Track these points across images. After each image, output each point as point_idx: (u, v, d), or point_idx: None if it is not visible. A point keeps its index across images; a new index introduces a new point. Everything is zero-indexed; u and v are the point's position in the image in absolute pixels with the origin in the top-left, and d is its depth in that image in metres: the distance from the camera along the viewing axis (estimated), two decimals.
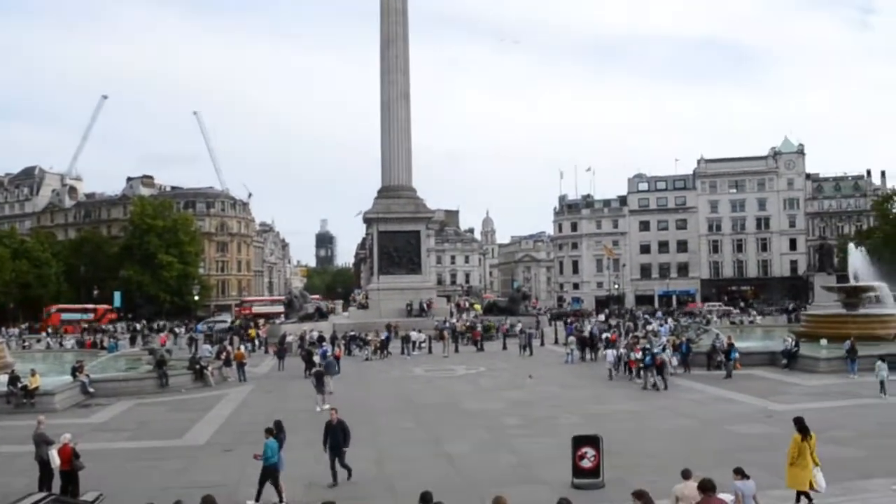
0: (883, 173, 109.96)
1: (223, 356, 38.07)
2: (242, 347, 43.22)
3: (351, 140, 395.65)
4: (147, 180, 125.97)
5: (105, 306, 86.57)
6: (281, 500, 14.57)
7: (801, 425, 12.81)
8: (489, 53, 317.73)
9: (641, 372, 30.53)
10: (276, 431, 15.62)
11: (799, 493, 12.56)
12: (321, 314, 63.17)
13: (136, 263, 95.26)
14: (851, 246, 53.34)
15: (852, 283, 45.20)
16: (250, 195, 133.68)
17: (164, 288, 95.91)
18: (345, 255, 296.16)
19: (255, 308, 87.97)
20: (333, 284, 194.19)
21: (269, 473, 14.60)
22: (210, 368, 34.71)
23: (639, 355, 31.07)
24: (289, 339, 48.45)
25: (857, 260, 47.42)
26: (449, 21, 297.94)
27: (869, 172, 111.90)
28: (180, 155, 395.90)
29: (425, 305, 61.31)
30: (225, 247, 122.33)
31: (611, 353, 34.36)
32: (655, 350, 33.01)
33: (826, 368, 31.24)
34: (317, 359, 34.30)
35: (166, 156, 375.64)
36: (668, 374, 29.97)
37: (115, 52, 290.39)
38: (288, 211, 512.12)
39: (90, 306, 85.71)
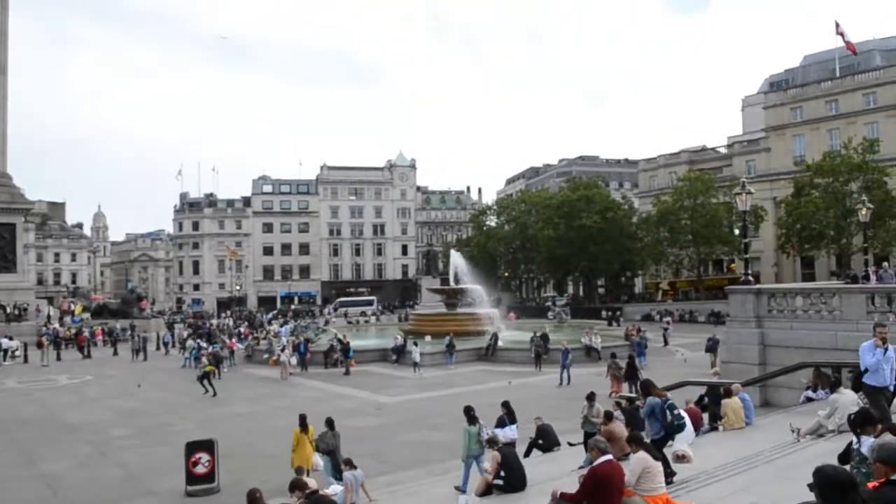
0: (480, 190, 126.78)
1: None
2: None
3: None
4: None
5: None
6: None
7: (301, 422, 14.56)
8: (105, 36, 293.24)
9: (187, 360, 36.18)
10: None
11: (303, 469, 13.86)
12: None
13: None
14: (453, 251, 59.56)
15: (452, 285, 50.49)
16: None
17: None
18: None
19: None
20: None
21: None
22: None
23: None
24: None
25: (458, 262, 53.06)
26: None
27: (469, 189, 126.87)
28: None
29: (21, 309, 54.41)
30: None
31: (191, 342, 37.77)
32: (275, 349, 34.69)
33: (429, 362, 34.43)
34: None
35: None
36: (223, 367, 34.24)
37: None
38: None
39: None
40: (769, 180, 65.63)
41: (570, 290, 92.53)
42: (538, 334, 35.51)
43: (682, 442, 12.01)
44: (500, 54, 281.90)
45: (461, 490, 12.39)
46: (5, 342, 42.29)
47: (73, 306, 63.89)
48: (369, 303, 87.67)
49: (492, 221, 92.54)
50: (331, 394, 27.88)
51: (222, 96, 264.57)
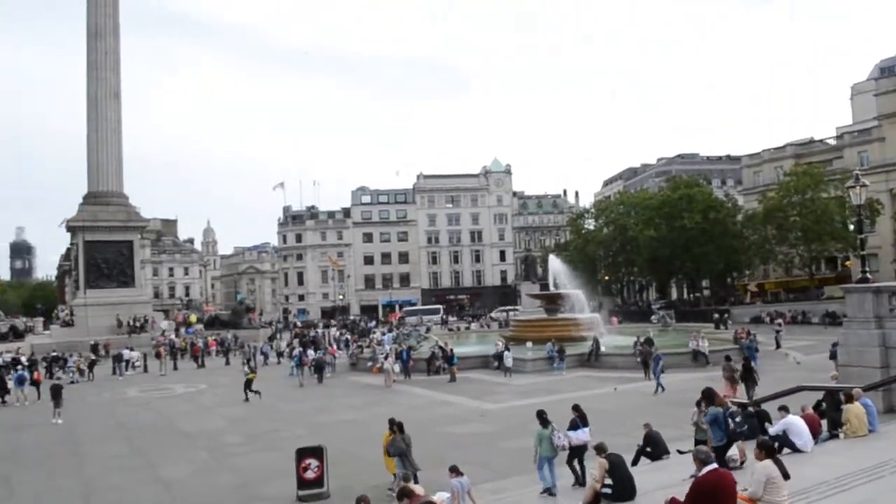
0: (577, 193, 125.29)
1: None
2: None
3: (54, 141, 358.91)
4: None
5: None
6: None
7: (391, 425, 15.02)
8: (210, 57, 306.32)
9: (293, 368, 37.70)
10: None
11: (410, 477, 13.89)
12: (16, 333, 56.77)
13: None
14: (551, 256, 59.00)
15: (552, 290, 49.97)
16: None
17: None
18: (46, 268, 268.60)
19: None
20: (32, 300, 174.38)
21: None
22: None
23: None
24: None
25: (556, 266, 52.49)
26: (167, 20, 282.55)
27: (565, 192, 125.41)
28: None
29: (140, 321, 57.40)
30: None
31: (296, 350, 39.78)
32: (379, 357, 35.53)
33: (532, 369, 34.21)
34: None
35: None
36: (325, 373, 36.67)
37: None
38: None
39: None
40: (885, 171, 62.20)
41: (674, 292, 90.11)
42: (642, 339, 34.71)
43: (734, 449, 12.24)
44: (588, 54, 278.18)
45: (551, 491, 12.78)
46: (126, 353, 44.57)
47: (187, 318, 66.97)
48: (435, 311, 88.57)
49: (590, 224, 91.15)
50: (434, 401, 28.05)
51: (319, 111, 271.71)
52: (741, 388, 23.73)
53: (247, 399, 30.07)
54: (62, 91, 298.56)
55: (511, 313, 78.37)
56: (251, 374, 31.82)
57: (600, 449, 11.79)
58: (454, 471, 12.11)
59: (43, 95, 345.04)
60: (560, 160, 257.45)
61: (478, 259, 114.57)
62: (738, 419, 12.04)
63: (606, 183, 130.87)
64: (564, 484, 13.20)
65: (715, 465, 8.41)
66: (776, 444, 12.88)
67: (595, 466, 11.66)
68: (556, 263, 53.61)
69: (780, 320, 48.72)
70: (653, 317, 62.60)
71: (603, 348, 36.13)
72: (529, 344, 38.81)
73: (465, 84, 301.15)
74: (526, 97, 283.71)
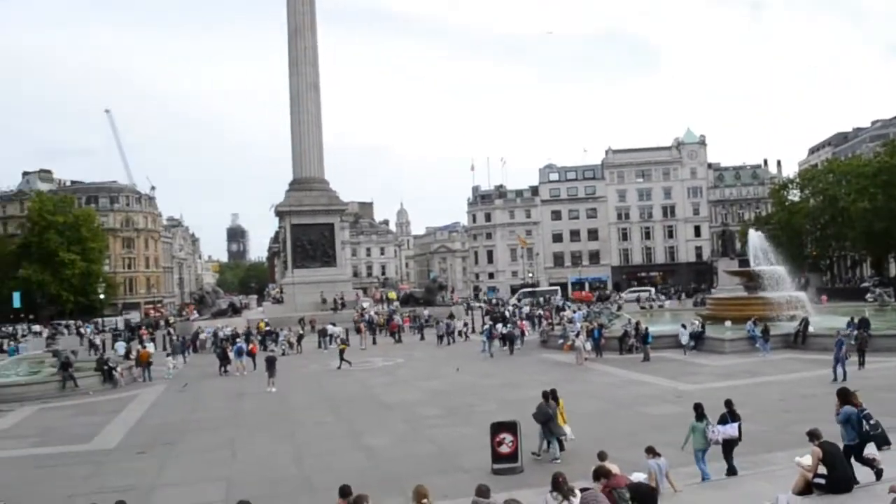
0: (779, 163, 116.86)
1: (132, 356, 37.05)
2: (151, 346, 41.95)
3: (262, 132, 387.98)
4: (45, 174, 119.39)
5: None
6: None
7: (552, 395, 16.54)
8: (400, 45, 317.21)
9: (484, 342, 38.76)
10: None
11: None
12: (234, 310, 62.04)
13: (36, 262, 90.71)
14: (751, 231, 55.60)
15: (752, 266, 47.13)
16: (153, 188, 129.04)
17: (66, 287, 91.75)
18: (258, 250, 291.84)
19: None
20: (247, 279, 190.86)
21: None
22: (119, 369, 33.59)
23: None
24: (202, 336, 47.59)
25: (757, 241, 49.39)
26: (358, 11, 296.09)
27: (766, 162, 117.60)
28: (76, 148, 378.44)
29: (341, 298, 60.84)
30: (131, 243, 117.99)
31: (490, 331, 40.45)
32: (570, 335, 35.53)
33: (731, 349, 32.57)
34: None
35: (61, 149, 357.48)
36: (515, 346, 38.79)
37: None
38: (196, 205, 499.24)
39: None
40: None
41: (893, 269, 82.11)
42: (857, 320, 31.87)
43: (871, 447, 11.62)
44: (787, 14, 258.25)
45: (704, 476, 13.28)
46: (330, 328, 47.43)
47: (385, 295, 70.30)
48: (553, 293, 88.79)
49: (794, 196, 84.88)
50: (627, 380, 27.50)
51: (506, 92, 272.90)
52: None
53: (339, 367, 34.89)
54: (267, 86, 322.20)
55: (643, 294, 78.92)
56: (343, 345, 37.41)
57: (814, 436, 11.03)
58: (651, 451, 11.88)
59: (251, 91, 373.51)
60: (759, 129, 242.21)
61: (671, 235, 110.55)
62: (872, 421, 11.63)
63: (812, 150, 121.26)
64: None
65: None
66: None
67: (808, 454, 10.95)
68: (756, 238, 50.35)
69: None
70: (868, 295, 57.46)
71: (811, 329, 33.64)
72: (728, 323, 36.99)
73: (653, 56, 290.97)
74: (719, 64, 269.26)
